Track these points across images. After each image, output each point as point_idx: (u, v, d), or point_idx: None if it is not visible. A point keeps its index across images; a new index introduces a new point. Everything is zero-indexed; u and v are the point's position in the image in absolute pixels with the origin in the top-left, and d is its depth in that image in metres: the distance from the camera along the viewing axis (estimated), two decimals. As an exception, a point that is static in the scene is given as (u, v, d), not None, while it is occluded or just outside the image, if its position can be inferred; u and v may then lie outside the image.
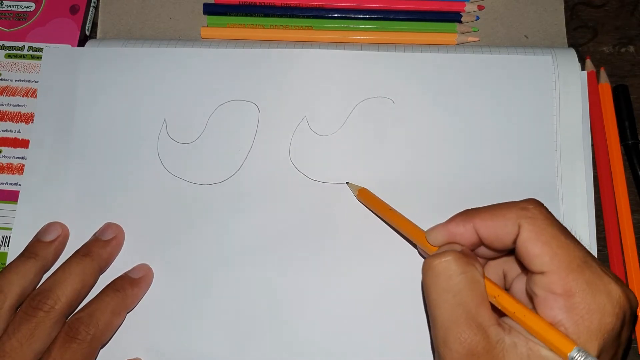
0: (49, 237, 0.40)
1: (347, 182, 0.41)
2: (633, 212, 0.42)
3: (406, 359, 0.38)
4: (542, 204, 0.30)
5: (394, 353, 0.38)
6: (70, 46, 0.46)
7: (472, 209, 0.32)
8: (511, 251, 0.32)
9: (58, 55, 0.44)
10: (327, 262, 0.40)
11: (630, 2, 0.47)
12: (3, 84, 0.45)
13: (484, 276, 0.30)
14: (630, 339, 0.30)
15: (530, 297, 0.30)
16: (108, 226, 0.40)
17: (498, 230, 0.30)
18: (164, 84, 0.43)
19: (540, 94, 0.42)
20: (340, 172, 0.41)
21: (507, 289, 0.33)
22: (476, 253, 0.33)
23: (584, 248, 0.29)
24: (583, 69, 0.44)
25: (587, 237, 0.39)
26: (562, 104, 0.42)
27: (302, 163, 0.41)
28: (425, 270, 0.30)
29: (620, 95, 0.44)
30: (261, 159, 0.42)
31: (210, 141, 0.42)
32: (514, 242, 0.30)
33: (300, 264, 0.40)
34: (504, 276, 0.34)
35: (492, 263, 0.34)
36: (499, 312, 0.30)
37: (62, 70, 0.44)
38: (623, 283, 0.29)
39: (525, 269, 0.30)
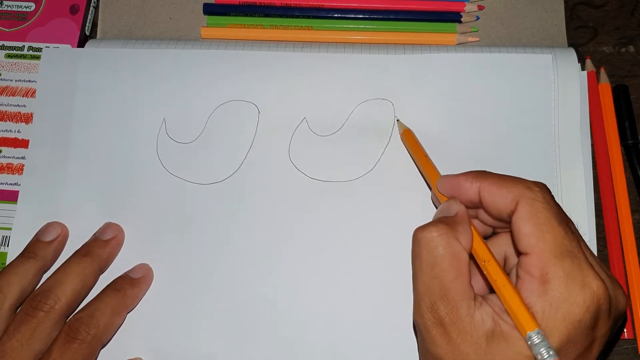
0: (48, 237, 0.40)
1: (397, 119, 0.42)
2: (633, 212, 0.42)
3: (408, 357, 0.38)
4: (548, 190, 0.31)
5: (396, 352, 0.38)
6: (69, 47, 0.45)
7: (485, 172, 0.33)
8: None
9: (57, 56, 0.44)
10: (328, 261, 0.40)
11: (630, 2, 0.47)
12: (3, 84, 0.45)
13: (471, 243, 0.31)
14: (611, 336, 0.30)
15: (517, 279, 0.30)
16: (108, 226, 0.40)
17: (498, 199, 0.31)
18: (163, 83, 0.43)
19: (540, 94, 0.42)
20: (340, 171, 0.41)
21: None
22: (478, 216, 0.34)
23: (576, 239, 0.30)
24: (583, 69, 0.44)
25: (587, 237, 0.39)
26: (562, 104, 0.42)
27: (302, 162, 0.41)
28: (413, 240, 0.32)
29: (620, 95, 0.44)
30: (261, 159, 0.42)
31: (210, 141, 0.42)
32: (510, 216, 0.31)
33: (300, 263, 0.40)
34: (505, 259, 0.35)
35: (497, 241, 0.35)
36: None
37: (60, 70, 0.44)
38: (609, 280, 0.30)
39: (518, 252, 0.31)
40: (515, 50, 0.43)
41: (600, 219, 0.42)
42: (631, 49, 0.46)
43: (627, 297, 0.40)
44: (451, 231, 0.31)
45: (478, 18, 0.46)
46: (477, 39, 0.46)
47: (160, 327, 0.39)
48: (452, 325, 0.29)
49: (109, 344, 0.38)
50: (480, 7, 0.46)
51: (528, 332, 0.27)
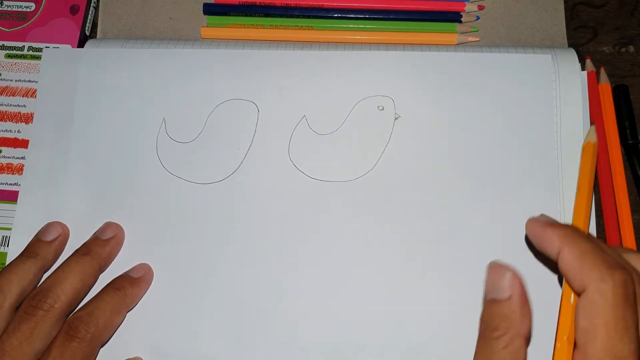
0: (49, 237, 0.40)
1: (592, 123, 0.39)
2: (633, 212, 0.42)
3: (408, 358, 0.38)
4: (625, 283, 0.28)
5: (396, 352, 0.38)
6: (69, 47, 0.46)
7: (575, 233, 0.30)
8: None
9: (57, 56, 0.44)
10: (327, 261, 0.40)
11: (630, 2, 0.47)
12: (3, 84, 0.45)
13: (530, 324, 0.30)
14: None
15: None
16: (108, 225, 0.40)
17: (570, 274, 0.29)
18: (162, 83, 0.43)
19: (541, 94, 0.42)
20: (340, 170, 0.41)
21: None
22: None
23: (634, 343, 0.28)
24: (583, 69, 0.43)
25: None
26: (562, 104, 0.42)
27: (302, 161, 0.41)
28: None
29: (620, 95, 0.44)
30: (260, 158, 0.42)
31: (210, 140, 0.42)
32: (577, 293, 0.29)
33: (300, 262, 0.40)
34: None
35: None
36: None
37: (61, 71, 0.44)
38: None
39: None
40: (515, 50, 0.43)
41: (600, 219, 0.42)
42: (631, 49, 0.46)
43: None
44: (519, 339, 0.29)
45: (478, 18, 0.46)
46: (477, 39, 0.46)
47: (160, 327, 0.39)
48: None
49: (108, 343, 0.38)
50: (480, 7, 0.46)
51: None
